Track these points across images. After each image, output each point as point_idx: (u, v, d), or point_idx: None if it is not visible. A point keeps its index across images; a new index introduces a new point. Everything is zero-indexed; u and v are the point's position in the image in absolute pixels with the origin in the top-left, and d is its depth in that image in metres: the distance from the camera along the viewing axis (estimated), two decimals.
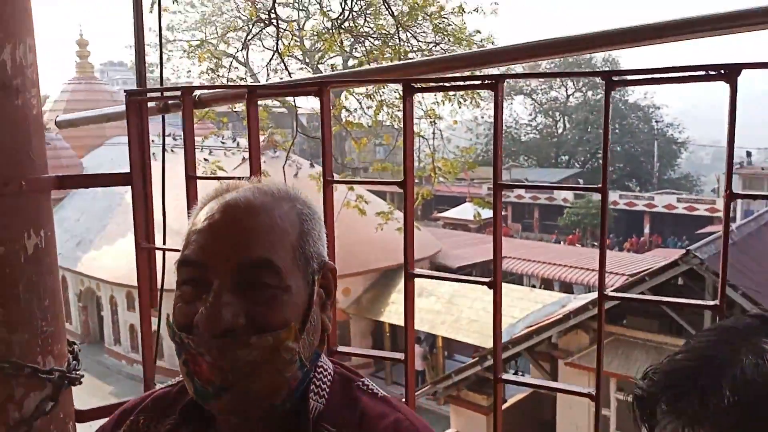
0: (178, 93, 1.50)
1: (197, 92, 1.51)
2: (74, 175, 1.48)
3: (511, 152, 43.22)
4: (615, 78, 1.11)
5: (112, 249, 19.91)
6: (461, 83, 1.24)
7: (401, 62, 1.64)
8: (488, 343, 17.77)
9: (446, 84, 1.26)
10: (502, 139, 1.20)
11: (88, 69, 28.46)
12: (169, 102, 1.58)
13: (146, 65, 1.55)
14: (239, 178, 1.15)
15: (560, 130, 45.57)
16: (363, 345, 20.33)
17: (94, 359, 21.26)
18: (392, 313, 18.77)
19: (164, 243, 1.95)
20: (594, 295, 17.92)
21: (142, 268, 1.59)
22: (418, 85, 1.25)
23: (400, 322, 17.97)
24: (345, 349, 1.50)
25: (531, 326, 14.74)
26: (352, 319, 19.90)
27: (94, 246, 21.24)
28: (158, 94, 1.58)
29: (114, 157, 23.85)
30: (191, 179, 1.47)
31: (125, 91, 1.53)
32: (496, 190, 1.22)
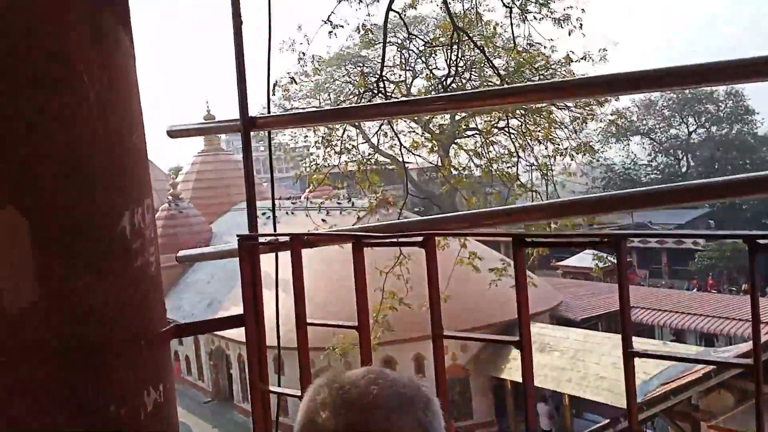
0: (288, 238, 1.52)
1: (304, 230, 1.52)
2: (191, 323, 1.53)
3: None
4: (761, 241, 0.98)
5: (239, 310, 20.74)
6: (579, 240, 1.15)
7: (515, 206, 1.57)
8: (620, 402, 16.63)
9: (562, 240, 1.18)
10: (629, 301, 1.09)
11: (215, 141, 30.60)
12: (280, 242, 1.60)
13: (257, 208, 1.60)
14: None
15: (684, 169, 43.00)
16: (483, 403, 19.70)
17: (224, 416, 22.10)
18: (513, 370, 18.10)
19: (278, 342, 1.96)
20: (739, 347, 16.36)
21: (257, 410, 1.59)
22: (530, 240, 1.17)
23: None
24: None
25: (667, 383, 13.65)
26: (471, 376, 19.40)
27: (223, 307, 22.33)
28: (270, 239, 1.61)
29: (240, 221, 25.04)
30: (302, 327, 1.47)
31: (238, 235, 1.57)
32: (627, 359, 1.11)
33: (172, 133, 1.78)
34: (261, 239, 1.60)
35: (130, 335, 1.40)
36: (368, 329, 1.40)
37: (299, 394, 1.46)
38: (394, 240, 1.33)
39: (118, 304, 1.38)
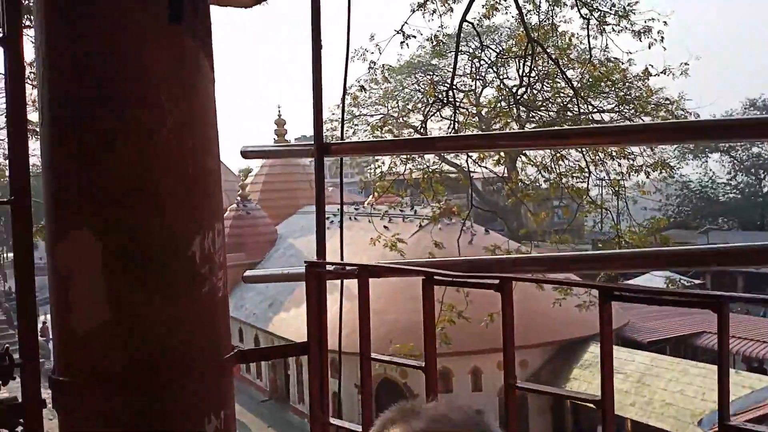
0: (355, 269, 1.48)
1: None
2: (256, 350, 1.50)
3: (708, 213, 39.43)
4: None
5: (299, 312, 21.09)
6: (674, 298, 1.06)
7: (597, 252, 1.48)
8: (686, 430, 15.88)
9: (655, 296, 1.08)
10: (729, 370, 0.99)
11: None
12: (347, 270, 1.56)
13: (326, 235, 1.57)
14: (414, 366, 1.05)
15: (765, 189, 40.84)
16: (541, 422, 19.22)
17: (279, 416, 22.40)
18: (573, 389, 17.60)
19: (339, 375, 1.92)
20: None
21: None
22: (618, 293, 1.08)
23: None
24: None
25: (738, 414, 12.96)
26: (529, 394, 18.99)
27: (284, 308, 22.66)
28: (337, 267, 1.57)
29: (305, 224, 25.53)
30: (366, 360, 1.42)
31: (306, 262, 1.54)
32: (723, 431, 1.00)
33: (246, 154, 1.78)
34: (328, 267, 1.57)
35: (195, 361, 1.38)
36: (435, 369, 1.34)
37: (359, 429, 1.42)
38: (468, 281, 1.27)
39: (185, 328, 1.37)
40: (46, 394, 1.41)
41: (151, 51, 1.35)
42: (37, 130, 1.41)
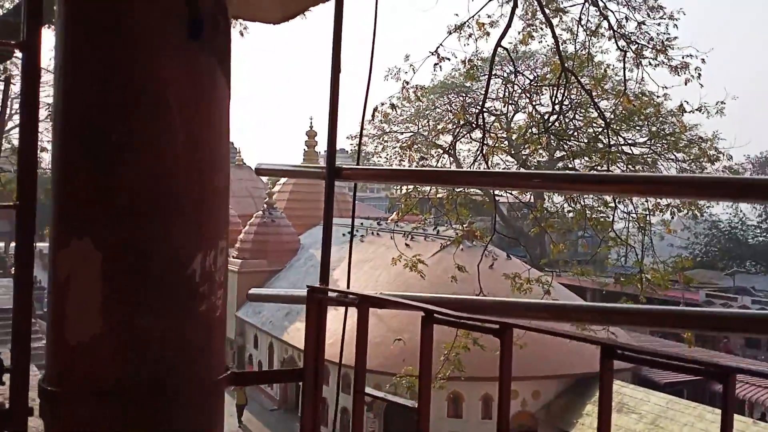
0: (356, 298, 1.45)
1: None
2: (250, 373, 1.48)
3: (736, 255, 38.59)
4: None
5: None
6: (681, 364, 1.01)
7: (601, 305, 1.44)
8: None
9: (661, 360, 1.03)
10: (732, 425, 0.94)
11: (313, 156, 31.43)
12: (347, 299, 1.53)
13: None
14: None
15: None
16: None
17: (287, 426, 22.35)
18: (586, 427, 17.26)
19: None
20: None
21: None
22: (621, 352, 1.04)
23: None
24: None
25: None
26: (540, 426, 18.66)
27: (300, 318, 22.67)
28: (339, 294, 1.54)
29: None
30: (359, 395, 1.38)
31: (308, 286, 1.52)
32: None
33: (261, 171, 1.77)
34: (330, 293, 1.54)
35: (187, 379, 1.36)
36: (428, 410, 1.30)
37: None
38: (468, 323, 1.23)
39: (179, 346, 1.35)
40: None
41: (168, 66, 1.35)
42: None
